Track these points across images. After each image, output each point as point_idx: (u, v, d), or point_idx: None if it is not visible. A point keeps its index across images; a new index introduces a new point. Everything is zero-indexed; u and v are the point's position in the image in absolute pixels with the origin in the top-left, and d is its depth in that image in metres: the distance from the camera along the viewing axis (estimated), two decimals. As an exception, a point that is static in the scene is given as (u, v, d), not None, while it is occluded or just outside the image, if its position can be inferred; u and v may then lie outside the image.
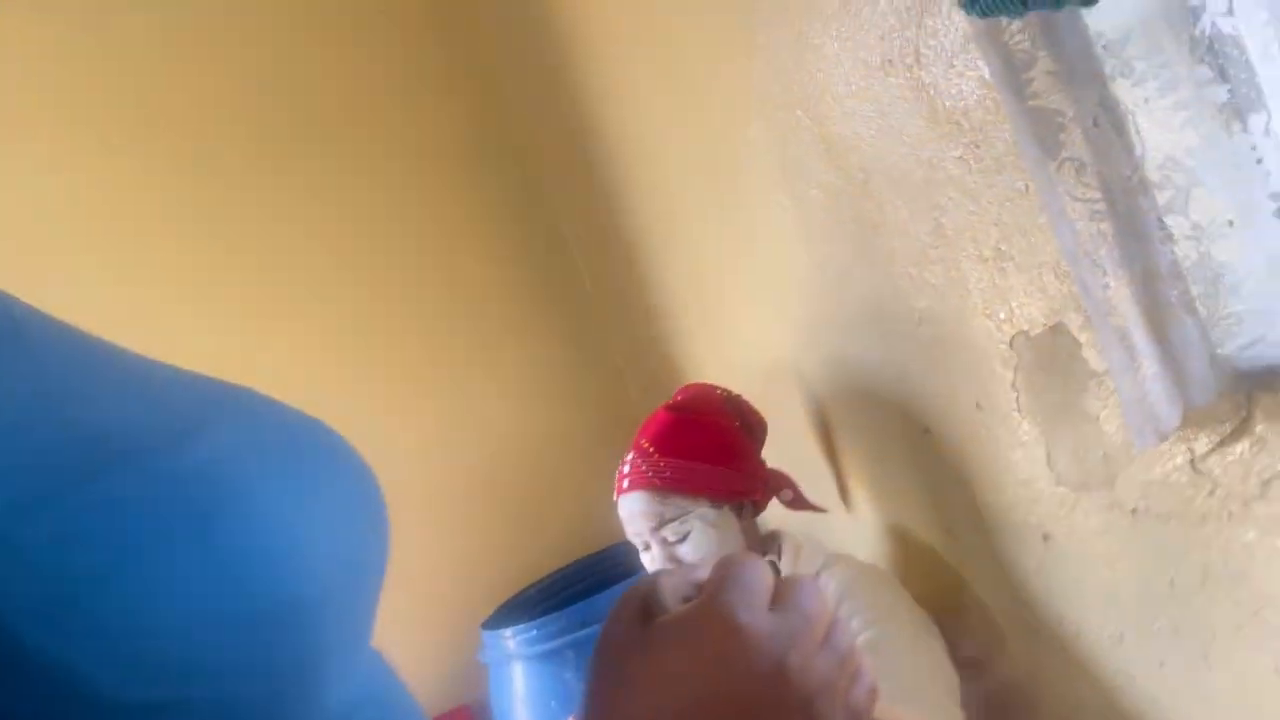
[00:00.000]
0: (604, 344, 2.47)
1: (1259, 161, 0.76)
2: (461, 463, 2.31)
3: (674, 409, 1.38)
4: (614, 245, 2.13)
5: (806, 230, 1.37)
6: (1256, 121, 0.75)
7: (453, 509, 2.29)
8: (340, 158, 2.28)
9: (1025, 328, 1.04)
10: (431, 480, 2.28)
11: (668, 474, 1.28)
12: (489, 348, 2.36)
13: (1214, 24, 0.75)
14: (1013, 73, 0.87)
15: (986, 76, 0.93)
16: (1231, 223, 0.80)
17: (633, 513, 1.29)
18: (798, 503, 1.40)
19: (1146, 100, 0.82)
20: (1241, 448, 0.84)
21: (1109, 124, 0.83)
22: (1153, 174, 0.83)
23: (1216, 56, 0.77)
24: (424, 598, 2.21)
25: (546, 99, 2.20)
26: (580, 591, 2.13)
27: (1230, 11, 0.74)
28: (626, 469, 1.32)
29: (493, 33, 2.38)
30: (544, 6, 1.98)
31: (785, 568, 1.30)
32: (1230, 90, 0.77)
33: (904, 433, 1.33)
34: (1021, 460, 1.13)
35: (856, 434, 1.49)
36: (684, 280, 1.88)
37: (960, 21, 0.94)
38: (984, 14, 0.79)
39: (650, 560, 1.31)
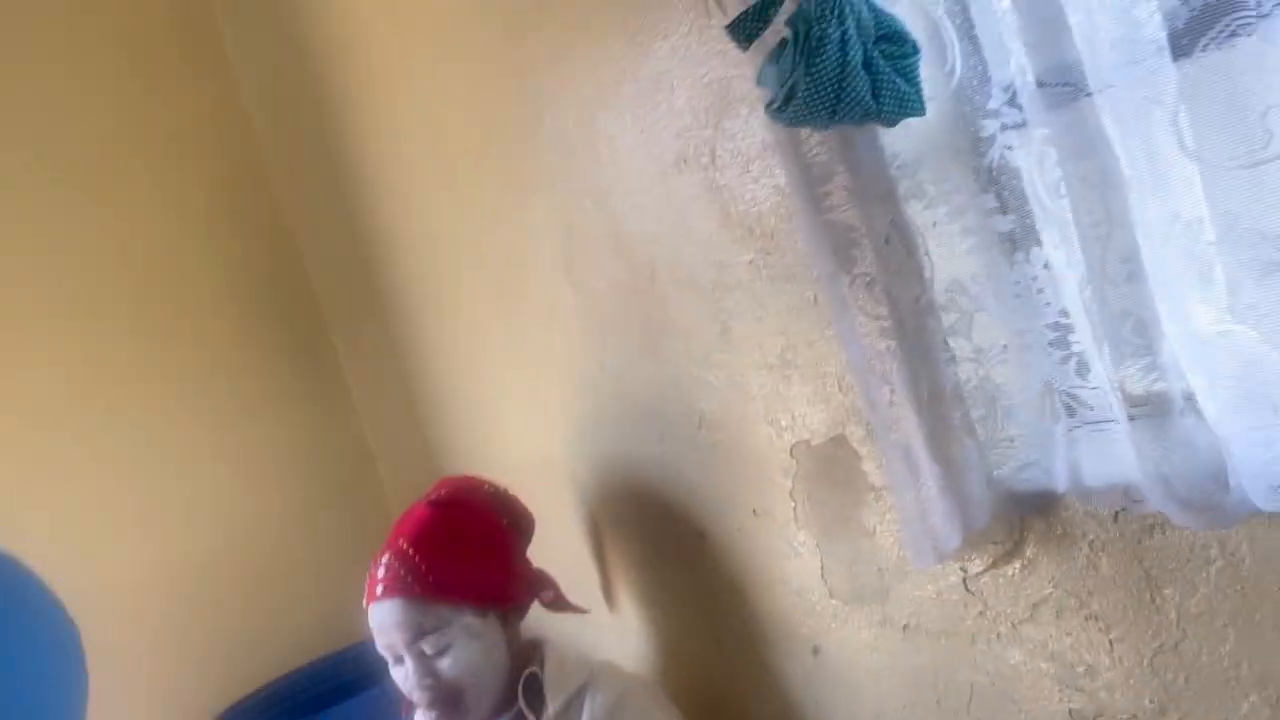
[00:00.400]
0: (356, 426, 2.29)
1: (1038, 291, 0.79)
2: (179, 550, 2.03)
3: (436, 505, 1.27)
4: (375, 320, 1.99)
5: (588, 323, 1.32)
6: (1037, 253, 0.78)
7: (168, 601, 2.00)
8: (66, 200, 2.00)
9: (807, 437, 1.03)
10: (143, 569, 1.98)
11: (430, 580, 1.15)
12: (224, 426, 2.11)
13: (1002, 156, 0.78)
14: (810, 184, 0.87)
15: (782, 184, 0.93)
16: (1008, 348, 0.82)
17: (388, 623, 1.16)
18: (558, 604, 1.33)
19: (936, 224, 0.83)
20: (1013, 569, 0.86)
21: (900, 243, 0.84)
22: (940, 295, 0.84)
23: (1002, 188, 0.79)
24: (127, 705, 1.89)
25: (306, 156, 2.05)
26: (316, 698, 1.92)
27: (1017, 146, 0.76)
28: (382, 572, 1.19)
29: (249, 83, 2.21)
30: (308, 57, 1.86)
31: (549, 680, 1.21)
32: (1013, 221, 0.79)
33: (678, 535, 1.29)
34: (796, 570, 1.11)
35: (628, 535, 1.43)
36: (452, 363, 1.78)
37: (758, 127, 0.93)
38: (791, 122, 0.78)
39: (403, 675, 1.18)
